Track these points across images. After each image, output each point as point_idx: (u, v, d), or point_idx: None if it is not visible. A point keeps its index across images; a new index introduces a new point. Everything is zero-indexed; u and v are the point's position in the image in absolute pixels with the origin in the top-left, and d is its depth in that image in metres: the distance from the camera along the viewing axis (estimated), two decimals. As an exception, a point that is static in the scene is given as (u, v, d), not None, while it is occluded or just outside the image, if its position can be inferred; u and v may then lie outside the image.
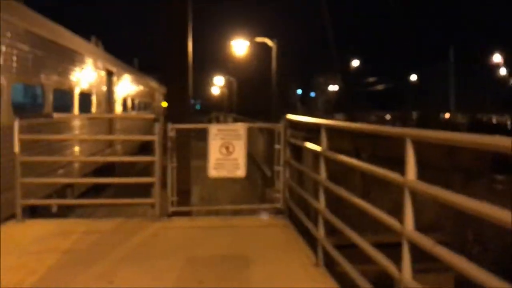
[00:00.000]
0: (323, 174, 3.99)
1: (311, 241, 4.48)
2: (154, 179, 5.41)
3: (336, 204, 3.88)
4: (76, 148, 10.19)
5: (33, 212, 7.39)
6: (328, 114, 41.77)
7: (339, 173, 4.24)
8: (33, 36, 7.68)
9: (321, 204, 3.98)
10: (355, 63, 52.58)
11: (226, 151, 5.31)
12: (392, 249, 2.78)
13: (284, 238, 4.80)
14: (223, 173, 5.35)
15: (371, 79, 56.83)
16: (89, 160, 10.39)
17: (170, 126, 5.48)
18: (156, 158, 5.34)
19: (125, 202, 6.43)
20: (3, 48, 6.54)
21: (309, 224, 4.39)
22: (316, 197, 4.12)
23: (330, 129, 4.07)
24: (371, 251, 2.92)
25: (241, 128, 5.40)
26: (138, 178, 5.80)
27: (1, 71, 6.37)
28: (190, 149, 6.80)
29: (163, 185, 5.59)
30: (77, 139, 9.29)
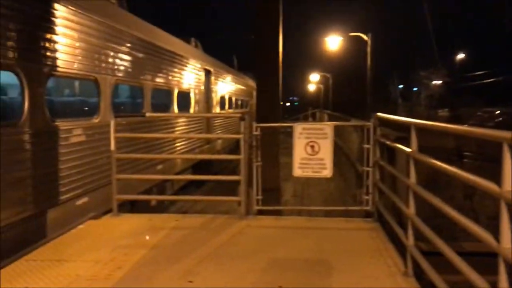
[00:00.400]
0: (412, 178, 3.68)
1: (401, 246, 4.19)
2: (240, 177, 5.43)
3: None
4: (176, 144, 10.66)
5: (133, 205, 7.86)
6: (431, 109, 39.39)
7: (441, 173, 3.87)
8: (134, 38, 8.12)
9: (410, 209, 3.68)
10: (461, 55, 49.05)
11: (312, 150, 5.17)
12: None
13: (372, 243, 4.54)
14: (309, 173, 5.22)
15: (478, 73, 52.56)
16: (178, 157, 10.74)
17: (254, 124, 5.46)
18: (241, 156, 5.35)
19: (213, 199, 6.55)
20: (108, 52, 6.99)
21: (399, 230, 4.10)
22: (407, 201, 3.83)
23: (421, 129, 3.73)
24: (461, 265, 2.61)
25: (327, 127, 5.22)
26: (225, 176, 5.86)
27: (102, 72, 6.80)
28: (278, 147, 6.75)
29: (250, 183, 5.60)
30: (167, 137, 9.68)
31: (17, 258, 3.95)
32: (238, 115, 5.57)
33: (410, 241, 3.66)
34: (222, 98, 16.95)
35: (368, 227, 5.08)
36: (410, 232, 3.67)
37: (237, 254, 4.15)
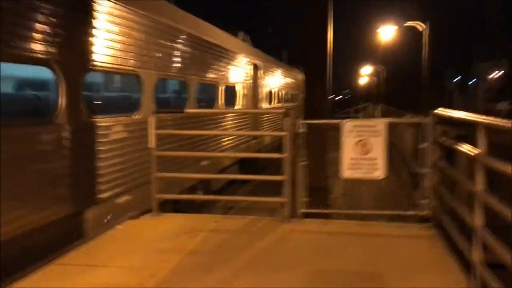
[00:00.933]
0: (479, 185, 3.18)
1: (463, 257, 3.70)
2: (284, 177, 5.08)
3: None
4: (221, 140, 10.44)
5: (176, 202, 7.69)
6: (489, 103, 37.16)
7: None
8: (179, 33, 7.92)
9: (477, 221, 3.19)
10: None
11: (362, 149, 4.73)
12: None
13: (429, 254, 4.06)
14: (359, 174, 4.78)
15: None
16: (217, 155, 10.45)
17: (299, 121, 5.08)
18: (285, 155, 4.99)
19: (257, 200, 6.22)
20: (151, 47, 6.82)
21: (463, 244, 3.61)
22: (475, 211, 3.33)
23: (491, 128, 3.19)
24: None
25: (380, 124, 4.75)
26: (269, 176, 5.53)
27: (145, 67, 6.62)
28: (326, 145, 6.35)
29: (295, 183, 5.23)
30: (207, 134, 9.43)
31: (49, 261, 3.79)
32: (282, 111, 5.20)
33: (476, 257, 3.18)
34: (270, 93, 16.62)
35: (425, 234, 4.58)
36: (477, 247, 3.18)
37: (277, 264, 3.80)
